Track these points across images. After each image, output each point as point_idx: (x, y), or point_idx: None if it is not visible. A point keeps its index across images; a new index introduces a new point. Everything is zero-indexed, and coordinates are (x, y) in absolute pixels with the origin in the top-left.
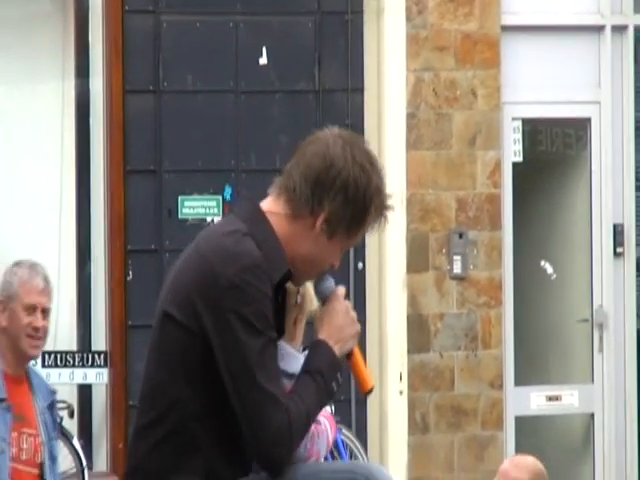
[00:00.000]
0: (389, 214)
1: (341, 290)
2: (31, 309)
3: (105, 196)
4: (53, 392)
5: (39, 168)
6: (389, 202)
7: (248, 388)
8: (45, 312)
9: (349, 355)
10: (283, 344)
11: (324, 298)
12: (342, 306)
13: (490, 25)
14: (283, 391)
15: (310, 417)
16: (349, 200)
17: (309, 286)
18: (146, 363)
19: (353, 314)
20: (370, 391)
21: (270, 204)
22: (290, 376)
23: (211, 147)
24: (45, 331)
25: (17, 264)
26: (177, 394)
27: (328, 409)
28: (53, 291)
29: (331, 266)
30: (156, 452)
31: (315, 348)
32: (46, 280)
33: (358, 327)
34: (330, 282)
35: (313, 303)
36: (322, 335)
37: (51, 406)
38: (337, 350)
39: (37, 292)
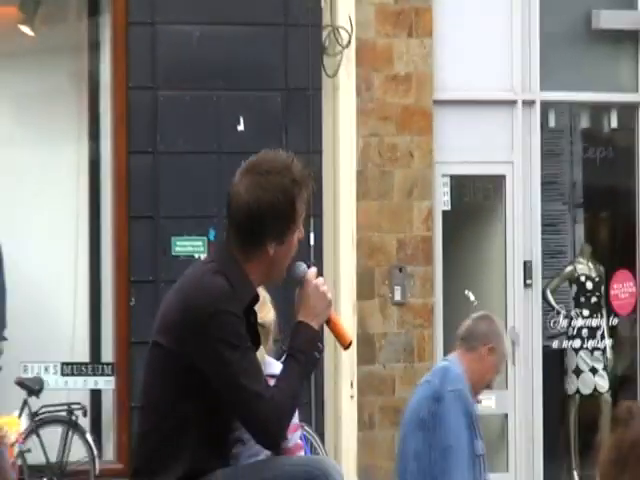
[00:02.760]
0: (310, 180)
1: (312, 272)
2: None
3: (112, 237)
4: None
5: (58, 215)
6: (300, 175)
7: (235, 392)
8: None
9: (327, 321)
10: (265, 356)
11: (299, 281)
12: (312, 287)
13: (424, 99)
14: (266, 384)
15: (295, 394)
16: (278, 216)
17: (265, 299)
18: (142, 382)
19: (324, 289)
20: (349, 345)
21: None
22: (273, 376)
23: (198, 197)
24: None
25: None
26: (166, 407)
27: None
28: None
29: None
30: (154, 454)
31: (295, 330)
32: None
33: (329, 298)
34: (302, 267)
35: (270, 313)
36: (300, 317)
37: None
38: (315, 324)
39: None
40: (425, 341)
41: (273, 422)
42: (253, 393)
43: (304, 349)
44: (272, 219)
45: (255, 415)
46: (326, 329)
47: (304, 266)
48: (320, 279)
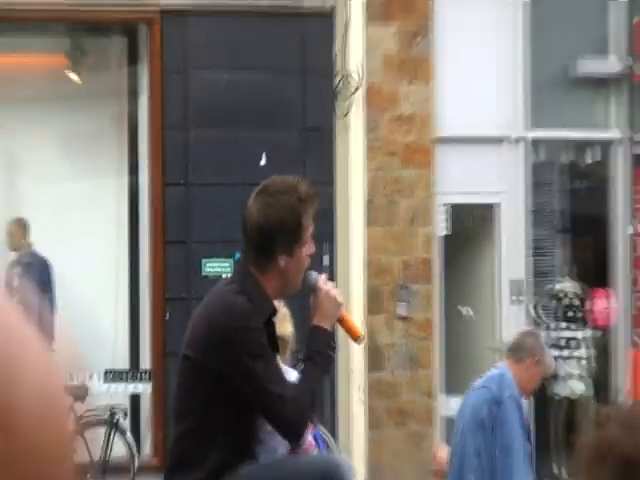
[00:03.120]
0: (315, 198)
1: (322, 278)
2: None
3: (149, 259)
4: None
5: (101, 240)
6: (306, 194)
7: (262, 396)
8: None
9: (339, 320)
10: (281, 365)
11: (312, 289)
12: (323, 292)
13: (425, 137)
14: (288, 386)
15: (314, 392)
16: (287, 232)
17: (286, 315)
18: (175, 390)
19: (334, 292)
20: (360, 339)
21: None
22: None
23: (225, 224)
24: None
25: None
26: (195, 413)
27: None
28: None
29: (309, 257)
30: (186, 454)
31: (310, 334)
32: None
33: (340, 300)
34: (313, 275)
35: (290, 328)
36: (314, 321)
37: None
38: (328, 325)
39: None
40: (426, 351)
41: (296, 419)
42: (277, 395)
43: (320, 350)
44: (281, 234)
45: (280, 414)
46: (340, 329)
47: (315, 274)
48: (330, 284)
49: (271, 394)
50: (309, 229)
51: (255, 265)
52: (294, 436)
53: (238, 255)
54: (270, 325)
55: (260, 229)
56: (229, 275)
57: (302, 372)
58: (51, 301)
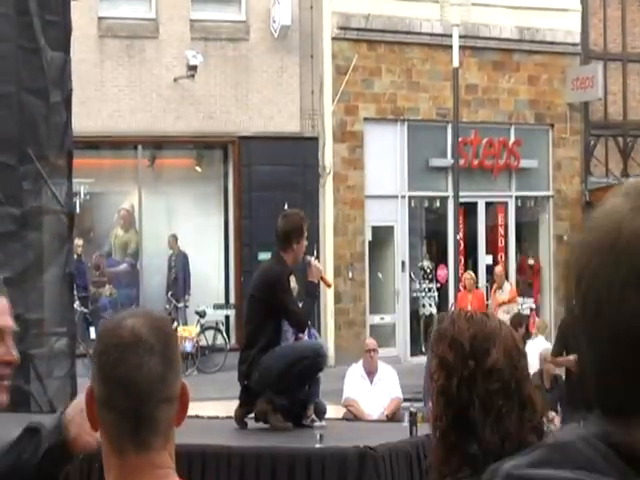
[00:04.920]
0: (307, 221)
1: (312, 259)
2: None
3: (234, 253)
4: None
5: (213, 244)
6: (304, 216)
7: (286, 311)
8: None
9: (320, 278)
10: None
11: (307, 264)
12: (313, 265)
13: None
14: (298, 307)
15: (310, 312)
16: (296, 233)
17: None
18: (245, 312)
19: (318, 265)
20: (330, 286)
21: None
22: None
23: (265, 235)
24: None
25: None
26: (255, 320)
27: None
28: None
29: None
30: (251, 337)
31: (307, 285)
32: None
33: (320, 269)
34: (307, 258)
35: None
36: (308, 279)
37: None
38: (315, 280)
39: None
40: (361, 290)
41: (300, 322)
42: (294, 311)
43: (311, 292)
44: (293, 234)
45: (295, 320)
46: (321, 283)
47: (308, 257)
48: (315, 261)
49: (292, 311)
50: (305, 233)
51: (280, 249)
52: (300, 329)
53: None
54: (289, 278)
55: (283, 231)
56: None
57: (303, 303)
58: (189, 274)
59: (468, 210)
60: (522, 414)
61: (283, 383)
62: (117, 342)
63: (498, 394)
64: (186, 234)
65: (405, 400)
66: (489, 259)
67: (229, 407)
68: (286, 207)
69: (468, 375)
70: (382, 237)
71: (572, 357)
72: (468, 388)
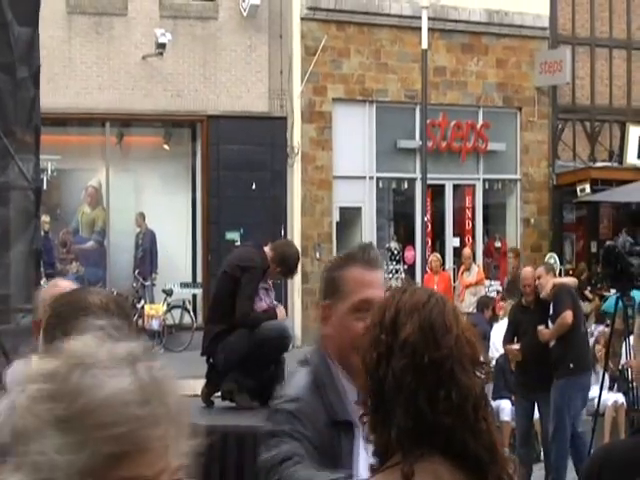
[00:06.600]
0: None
1: (276, 303)
2: None
3: (202, 229)
4: None
5: (179, 221)
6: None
7: (243, 296)
8: None
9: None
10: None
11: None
12: (278, 311)
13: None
14: (252, 302)
15: (254, 326)
16: (285, 269)
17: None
18: (215, 286)
19: (282, 314)
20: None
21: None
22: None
23: (235, 213)
24: None
25: None
26: (222, 296)
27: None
28: None
29: None
30: (215, 315)
31: (265, 311)
32: None
33: (284, 317)
34: (274, 302)
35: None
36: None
37: None
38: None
39: None
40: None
41: (246, 314)
42: (247, 299)
43: (268, 314)
44: (285, 267)
45: (243, 308)
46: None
47: (276, 302)
48: (282, 308)
49: (245, 295)
50: (289, 276)
51: (272, 261)
52: (241, 319)
53: (242, 229)
54: (263, 275)
55: (286, 257)
56: (243, 242)
57: (257, 315)
58: (156, 252)
59: (436, 192)
60: (436, 393)
61: (248, 364)
62: None
63: (408, 370)
64: (154, 212)
65: None
66: (456, 241)
67: (196, 386)
68: (254, 187)
69: (385, 349)
70: (350, 218)
71: (515, 347)
72: (387, 363)
